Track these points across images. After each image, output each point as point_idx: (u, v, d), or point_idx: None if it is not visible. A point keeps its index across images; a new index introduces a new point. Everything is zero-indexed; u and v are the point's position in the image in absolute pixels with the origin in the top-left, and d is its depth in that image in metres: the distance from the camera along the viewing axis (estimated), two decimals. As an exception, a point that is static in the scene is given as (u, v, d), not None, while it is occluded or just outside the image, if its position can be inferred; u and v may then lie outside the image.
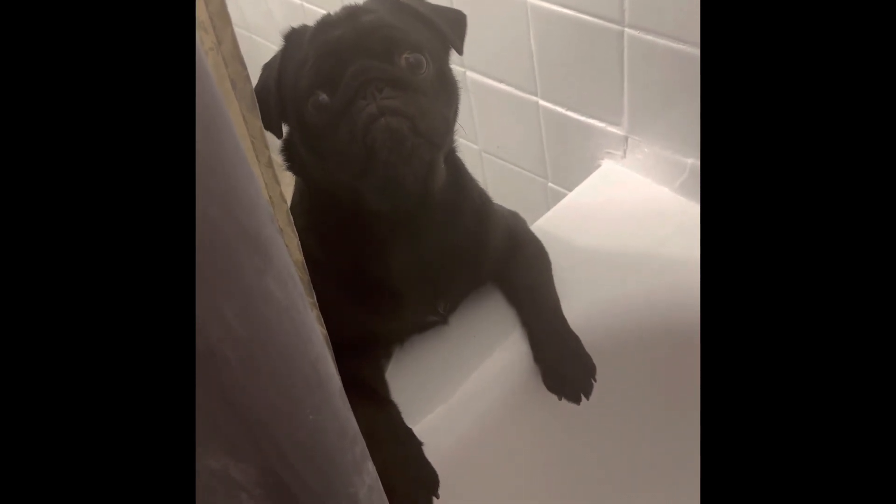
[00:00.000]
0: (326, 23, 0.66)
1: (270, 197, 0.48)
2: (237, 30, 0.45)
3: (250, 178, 0.34)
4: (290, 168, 0.73)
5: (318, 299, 0.71)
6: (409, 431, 0.71)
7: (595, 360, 0.77)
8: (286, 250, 0.37)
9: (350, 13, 0.66)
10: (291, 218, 0.53)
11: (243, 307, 0.37)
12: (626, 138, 0.94)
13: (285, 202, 0.51)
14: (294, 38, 0.68)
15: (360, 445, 0.49)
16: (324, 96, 0.63)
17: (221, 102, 0.32)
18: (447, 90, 0.69)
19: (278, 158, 0.72)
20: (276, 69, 0.67)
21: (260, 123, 0.45)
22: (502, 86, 1.06)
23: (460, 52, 0.71)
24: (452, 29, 0.71)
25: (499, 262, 0.81)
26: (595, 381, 0.76)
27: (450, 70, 0.70)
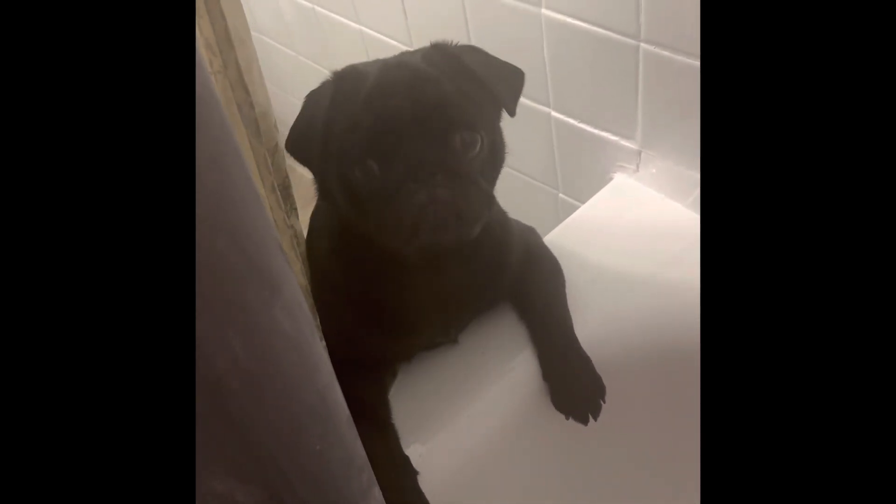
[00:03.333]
0: (385, 84, 0.63)
1: (275, 221, 0.47)
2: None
3: (259, 209, 0.33)
4: (323, 198, 0.71)
5: (325, 315, 0.70)
6: (406, 459, 0.70)
7: (605, 380, 0.76)
8: (296, 280, 0.36)
9: (410, 80, 0.63)
10: (295, 242, 0.52)
11: (250, 338, 0.36)
12: (639, 152, 0.93)
13: (289, 227, 0.50)
14: (346, 82, 0.65)
15: (367, 473, 0.49)
16: (374, 165, 0.62)
17: (231, 134, 0.31)
18: (494, 159, 0.68)
19: (304, 186, 0.71)
20: (325, 109, 0.64)
21: (264, 150, 0.44)
22: (514, 96, 1.05)
23: (512, 114, 0.69)
24: (508, 89, 0.69)
25: (513, 281, 0.81)
26: (604, 401, 0.75)
27: (500, 133, 0.69)
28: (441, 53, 0.67)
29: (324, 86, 0.66)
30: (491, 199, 0.65)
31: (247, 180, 0.32)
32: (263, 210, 0.34)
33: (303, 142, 0.65)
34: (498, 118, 0.69)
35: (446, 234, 0.63)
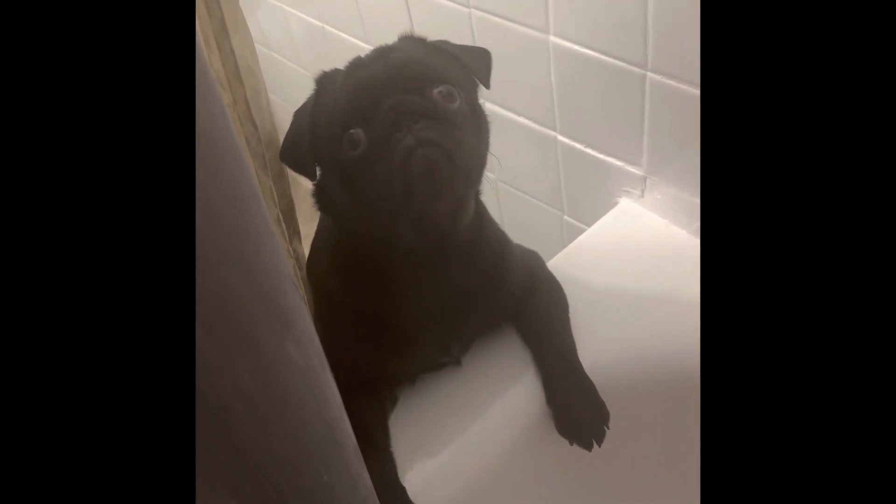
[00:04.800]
0: (358, 64, 0.67)
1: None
2: (257, 47, 0.45)
3: (274, 243, 0.34)
4: (322, 209, 0.72)
5: (324, 335, 0.71)
6: (403, 490, 0.70)
7: (609, 406, 0.76)
8: (308, 315, 0.37)
9: (380, 53, 0.68)
10: (297, 267, 0.53)
11: (259, 369, 0.37)
12: (644, 178, 0.94)
13: (292, 257, 0.51)
14: (325, 81, 0.69)
15: (372, 500, 0.49)
16: (359, 131, 0.62)
17: (249, 172, 0.32)
18: (478, 124, 0.70)
19: (308, 202, 0.72)
20: (310, 113, 0.67)
21: (270, 182, 0.45)
22: (521, 119, 1.06)
23: (487, 86, 0.72)
24: (479, 65, 0.72)
25: (515, 303, 0.81)
26: (608, 427, 0.75)
27: (480, 105, 0.71)
28: (411, 40, 0.72)
29: (308, 99, 0.69)
30: (482, 157, 0.66)
31: (263, 217, 0.33)
32: (278, 246, 0.34)
33: (294, 148, 0.68)
34: (475, 89, 0.71)
35: (440, 181, 0.62)
